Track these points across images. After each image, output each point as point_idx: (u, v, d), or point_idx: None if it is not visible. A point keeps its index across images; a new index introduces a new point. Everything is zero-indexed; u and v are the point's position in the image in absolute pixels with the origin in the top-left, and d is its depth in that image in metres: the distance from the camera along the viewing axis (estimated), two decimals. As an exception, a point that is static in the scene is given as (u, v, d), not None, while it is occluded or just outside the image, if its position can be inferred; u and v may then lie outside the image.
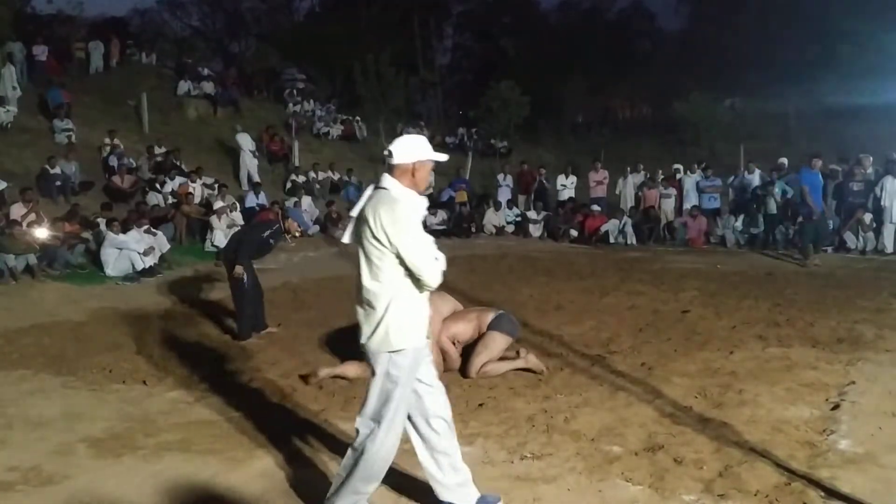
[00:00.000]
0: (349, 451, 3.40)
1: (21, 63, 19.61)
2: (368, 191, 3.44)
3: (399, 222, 3.21)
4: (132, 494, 3.85)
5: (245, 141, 18.29)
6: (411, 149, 3.40)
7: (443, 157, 3.49)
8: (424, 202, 3.45)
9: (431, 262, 3.27)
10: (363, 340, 3.35)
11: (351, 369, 5.87)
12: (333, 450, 4.34)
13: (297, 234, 14.91)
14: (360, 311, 3.37)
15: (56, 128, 16.87)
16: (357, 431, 3.39)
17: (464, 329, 5.99)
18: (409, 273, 3.26)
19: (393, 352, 3.28)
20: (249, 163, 18.12)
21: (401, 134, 25.01)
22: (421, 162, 3.40)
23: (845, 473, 3.85)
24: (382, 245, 3.22)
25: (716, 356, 6.33)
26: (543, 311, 8.65)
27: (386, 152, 3.41)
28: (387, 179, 3.37)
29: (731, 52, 35.15)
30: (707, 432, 4.49)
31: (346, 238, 3.46)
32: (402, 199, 3.30)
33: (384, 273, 3.26)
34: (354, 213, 3.41)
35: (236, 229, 13.52)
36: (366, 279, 3.31)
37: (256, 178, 17.73)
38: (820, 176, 12.73)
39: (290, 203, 16.11)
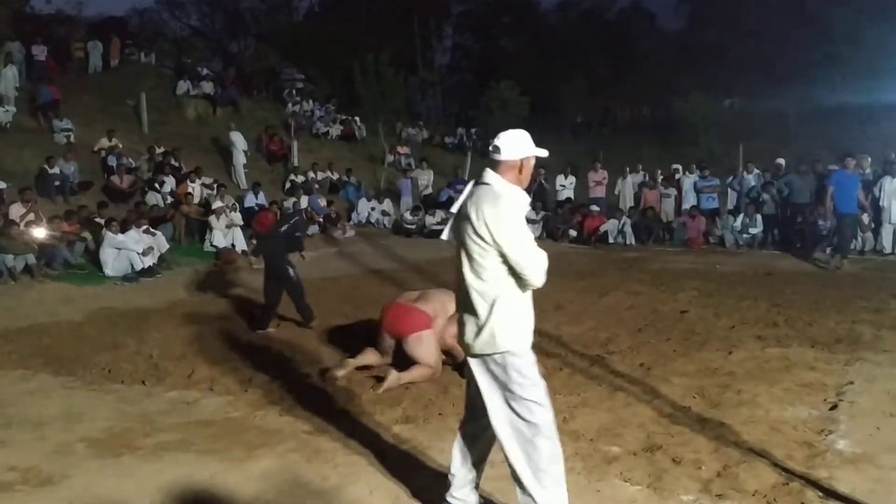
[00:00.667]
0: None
1: (20, 63, 19.61)
2: (469, 187, 3.33)
3: (503, 219, 3.12)
4: (132, 494, 3.85)
5: (239, 140, 18.33)
6: (520, 144, 3.27)
7: (545, 153, 3.37)
8: (528, 199, 3.36)
9: (536, 260, 3.16)
10: (468, 341, 3.27)
11: (371, 357, 5.96)
12: (332, 450, 4.34)
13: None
14: (461, 311, 3.32)
15: (55, 128, 16.86)
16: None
17: None
18: (513, 272, 3.16)
19: (498, 353, 3.20)
20: (237, 161, 18.20)
21: (400, 134, 25.20)
22: (528, 158, 3.29)
23: (843, 473, 3.86)
24: (486, 242, 3.13)
25: (714, 356, 6.34)
26: (542, 311, 8.53)
27: (491, 148, 3.29)
28: (490, 175, 3.25)
29: (730, 52, 35.19)
30: (705, 432, 4.50)
31: (445, 235, 3.41)
32: (507, 195, 3.20)
33: (487, 272, 3.17)
34: (455, 209, 3.31)
35: (235, 229, 13.61)
36: (469, 278, 3.22)
37: (243, 178, 17.83)
38: (855, 176, 12.59)
39: (288, 203, 16.10)
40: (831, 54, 28.46)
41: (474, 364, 3.29)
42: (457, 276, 3.31)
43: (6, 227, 10.76)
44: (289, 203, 16.20)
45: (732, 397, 5.16)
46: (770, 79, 32.87)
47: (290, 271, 8.11)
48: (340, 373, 5.82)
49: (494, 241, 3.12)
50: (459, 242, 3.25)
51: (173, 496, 3.82)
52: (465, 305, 3.28)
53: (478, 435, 3.46)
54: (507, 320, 3.18)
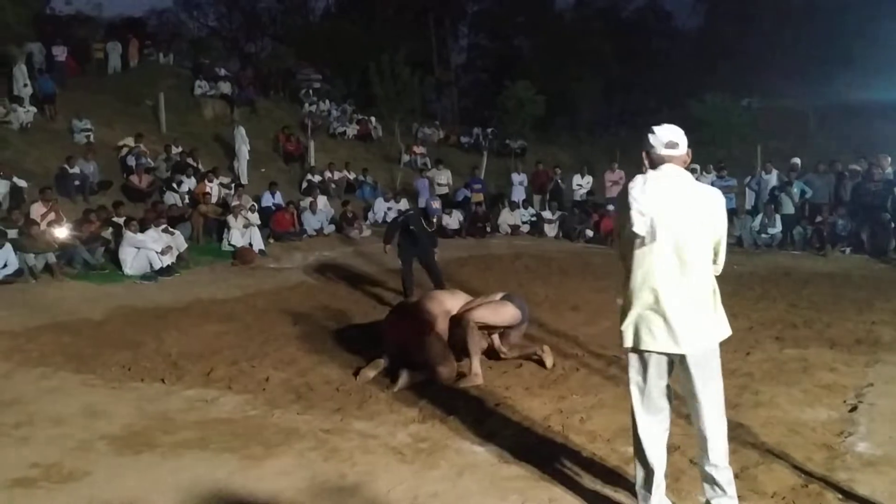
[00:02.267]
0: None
1: (40, 63, 19.83)
2: (652, 182, 3.23)
3: (722, 209, 3.26)
4: (151, 492, 3.88)
5: (243, 135, 18.55)
6: (684, 137, 3.34)
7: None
8: None
9: None
10: (691, 339, 3.21)
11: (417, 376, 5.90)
12: (350, 449, 4.36)
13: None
14: (680, 311, 3.19)
15: (75, 128, 17.03)
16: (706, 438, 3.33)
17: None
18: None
19: (716, 342, 3.29)
20: (241, 156, 18.34)
21: (416, 133, 25.20)
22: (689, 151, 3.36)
23: (863, 476, 3.83)
24: (709, 234, 3.21)
25: (732, 357, 6.29)
26: (559, 312, 8.65)
27: (669, 142, 3.26)
28: (677, 169, 3.26)
29: (747, 51, 34.94)
30: (723, 433, 4.48)
31: (642, 230, 3.18)
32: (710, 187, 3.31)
33: (707, 263, 3.25)
34: (647, 207, 3.17)
35: (252, 229, 13.69)
36: (690, 273, 3.18)
37: (245, 172, 18.07)
38: None
39: (305, 203, 16.18)
40: (849, 52, 28.21)
41: (692, 360, 3.26)
42: (663, 277, 3.20)
43: (27, 227, 10.88)
44: (305, 203, 16.26)
45: (750, 398, 5.13)
46: (788, 78, 32.60)
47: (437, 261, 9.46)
48: (371, 373, 5.85)
49: (717, 231, 3.24)
50: (665, 239, 3.15)
51: (192, 494, 3.85)
52: (682, 303, 3.20)
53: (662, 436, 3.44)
54: (721, 308, 3.30)
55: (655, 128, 3.32)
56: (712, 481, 3.33)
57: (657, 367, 3.32)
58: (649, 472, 3.36)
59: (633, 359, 3.36)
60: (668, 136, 3.27)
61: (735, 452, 4.15)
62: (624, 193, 3.27)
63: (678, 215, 3.16)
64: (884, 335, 6.98)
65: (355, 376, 5.88)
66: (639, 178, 3.26)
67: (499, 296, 6.35)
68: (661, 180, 3.22)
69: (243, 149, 18.34)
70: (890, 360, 6.10)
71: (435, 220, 9.64)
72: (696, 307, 3.21)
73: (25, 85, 17.26)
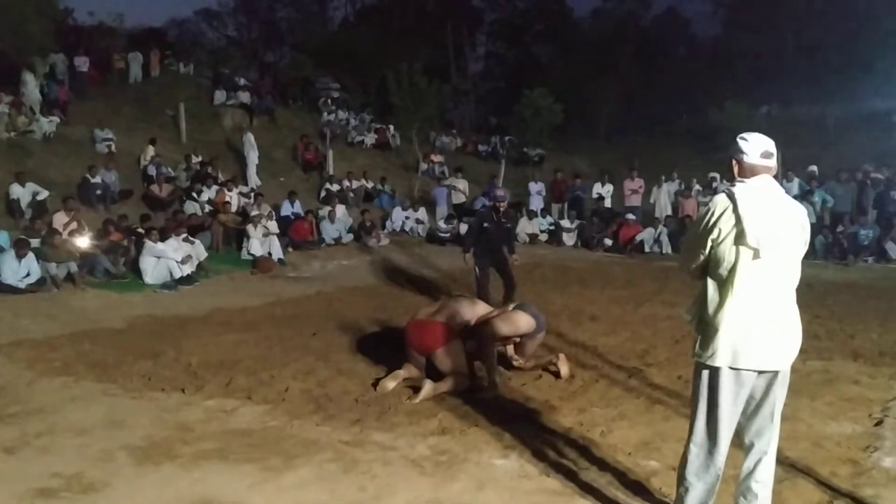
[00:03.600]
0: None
1: (63, 73, 20.10)
2: (762, 193, 3.16)
3: None
4: (172, 502, 3.89)
5: (252, 141, 18.71)
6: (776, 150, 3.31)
7: None
8: None
9: None
10: (787, 355, 3.21)
11: (414, 370, 6.01)
12: (370, 461, 4.35)
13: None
14: (782, 326, 3.18)
15: (96, 137, 17.21)
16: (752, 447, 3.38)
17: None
18: None
19: None
20: (251, 161, 18.50)
21: (434, 142, 25.24)
22: None
23: (890, 493, 3.78)
24: (803, 249, 3.25)
25: (754, 369, 6.23)
26: (578, 322, 8.61)
27: (765, 152, 3.19)
28: (773, 181, 3.22)
29: (766, 58, 34.75)
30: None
31: (756, 243, 3.09)
32: None
33: (798, 277, 3.26)
34: (763, 218, 3.11)
35: (272, 238, 13.74)
36: (790, 288, 3.21)
37: (255, 177, 18.31)
38: None
39: (323, 212, 16.24)
40: (870, 59, 27.97)
41: (782, 376, 3.25)
42: (774, 290, 3.16)
43: (50, 236, 10.98)
44: (323, 211, 16.31)
45: (773, 411, 5.07)
46: (808, 85, 32.41)
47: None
48: (391, 384, 5.84)
49: (806, 245, 3.26)
50: (770, 252, 3.11)
51: (213, 505, 3.86)
52: (784, 317, 3.18)
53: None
54: None
55: (747, 135, 3.24)
56: (754, 497, 3.31)
57: (743, 387, 3.20)
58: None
59: (724, 377, 3.17)
60: (764, 146, 3.19)
61: (759, 467, 4.11)
62: (723, 204, 3.13)
63: (782, 228, 3.13)
64: (909, 347, 6.89)
65: (374, 387, 5.87)
66: (740, 188, 3.15)
67: (511, 306, 6.33)
68: (762, 192, 3.15)
69: (252, 155, 18.50)
70: (915, 372, 6.02)
71: (503, 207, 9.25)
72: (792, 322, 3.21)
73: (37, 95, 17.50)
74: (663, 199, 17.51)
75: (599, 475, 4.11)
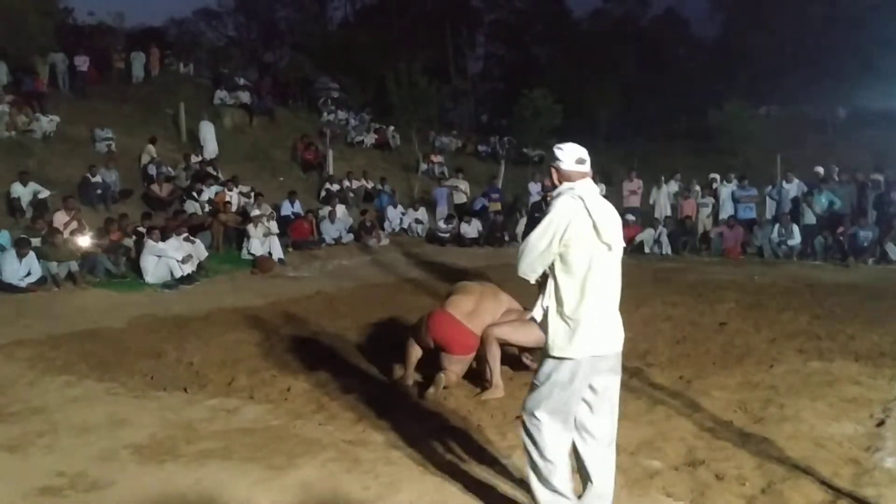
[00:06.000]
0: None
1: (63, 73, 20.11)
2: (595, 195, 3.42)
3: None
4: (175, 501, 3.90)
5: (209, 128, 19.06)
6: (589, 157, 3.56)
7: None
8: None
9: None
10: (620, 343, 3.45)
11: (415, 353, 6.04)
12: (372, 459, 4.36)
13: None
14: (612, 317, 3.41)
15: (96, 137, 17.21)
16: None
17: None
18: None
19: None
20: (210, 150, 18.70)
21: (433, 142, 25.30)
22: None
23: (892, 493, 3.78)
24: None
25: (755, 370, 6.26)
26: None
27: (579, 158, 3.45)
28: (593, 184, 3.49)
29: (766, 59, 34.75)
30: (748, 447, 4.44)
31: (608, 240, 3.34)
32: None
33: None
34: (604, 217, 3.36)
35: (272, 238, 13.75)
36: (618, 282, 3.44)
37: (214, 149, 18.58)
38: None
39: (324, 212, 16.24)
40: (869, 60, 28.00)
41: (615, 366, 3.43)
42: (616, 279, 3.42)
43: (50, 235, 10.98)
44: (324, 211, 16.30)
45: (775, 412, 5.09)
46: (807, 86, 32.41)
47: None
48: (410, 381, 5.93)
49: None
50: (610, 245, 3.33)
51: (216, 504, 3.86)
52: (614, 310, 3.42)
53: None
54: None
55: (562, 145, 3.49)
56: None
57: (596, 373, 3.38)
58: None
59: (579, 366, 3.30)
60: (578, 154, 3.44)
61: (761, 467, 4.15)
62: (574, 206, 3.32)
63: (615, 226, 3.40)
64: (909, 348, 6.91)
65: (394, 385, 5.89)
66: (581, 191, 3.36)
67: (529, 315, 6.23)
68: (593, 193, 3.40)
69: (210, 145, 18.80)
70: (916, 373, 6.03)
71: (550, 197, 9.18)
72: (617, 315, 3.44)
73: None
74: (663, 199, 17.50)
75: (602, 475, 4.10)
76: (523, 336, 5.90)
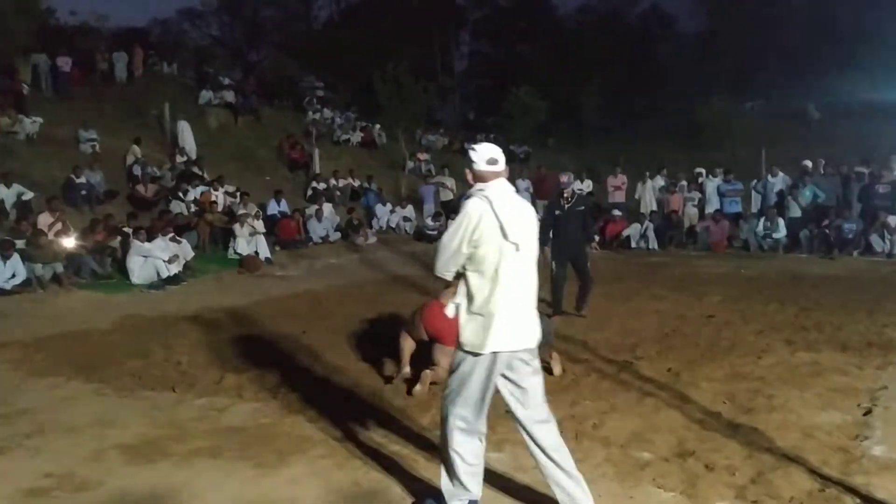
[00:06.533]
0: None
1: (46, 74, 19.93)
2: (506, 195, 3.50)
3: None
4: (165, 500, 3.88)
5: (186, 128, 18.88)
6: (503, 157, 3.61)
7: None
8: None
9: None
10: (534, 337, 3.54)
11: (408, 347, 6.02)
12: (363, 456, 4.35)
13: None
14: (533, 313, 3.56)
15: (81, 138, 17.08)
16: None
17: None
18: None
19: None
20: (190, 149, 18.57)
21: (420, 140, 25.31)
22: None
23: (881, 480, 3.81)
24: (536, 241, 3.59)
25: (743, 361, 6.29)
26: (567, 317, 8.63)
27: (490, 159, 3.50)
28: (507, 184, 3.56)
29: (750, 54, 34.94)
30: (737, 438, 4.47)
31: (515, 239, 3.43)
32: None
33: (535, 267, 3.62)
34: (513, 217, 3.44)
35: (258, 237, 13.70)
36: (534, 276, 3.57)
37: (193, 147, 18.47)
38: None
39: (310, 211, 16.19)
40: (853, 54, 28.20)
41: (534, 358, 3.56)
42: (527, 277, 3.52)
43: (34, 237, 10.90)
44: (311, 210, 16.23)
45: (763, 402, 5.11)
46: (792, 80, 32.61)
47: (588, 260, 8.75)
48: (406, 371, 5.89)
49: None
50: (523, 245, 3.44)
51: (206, 503, 3.84)
52: (531, 304, 3.55)
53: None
54: None
55: (476, 146, 3.57)
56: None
57: (510, 369, 3.49)
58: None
59: (490, 361, 3.41)
60: (489, 154, 3.49)
61: (750, 457, 4.17)
62: (481, 207, 3.38)
63: (526, 224, 3.51)
64: (895, 337, 6.96)
65: (388, 383, 5.86)
66: (490, 192, 3.42)
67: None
68: (504, 193, 3.48)
69: (190, 142, 18.70)
70: (903, 362, 6.08)
71: (567, 192, 8.77)
72: (533, 308, 3.58)
73: None
74: (648, 195, 17.55)
75: (592, 467, 4.11)
76: None
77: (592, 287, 8.81)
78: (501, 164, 3.51)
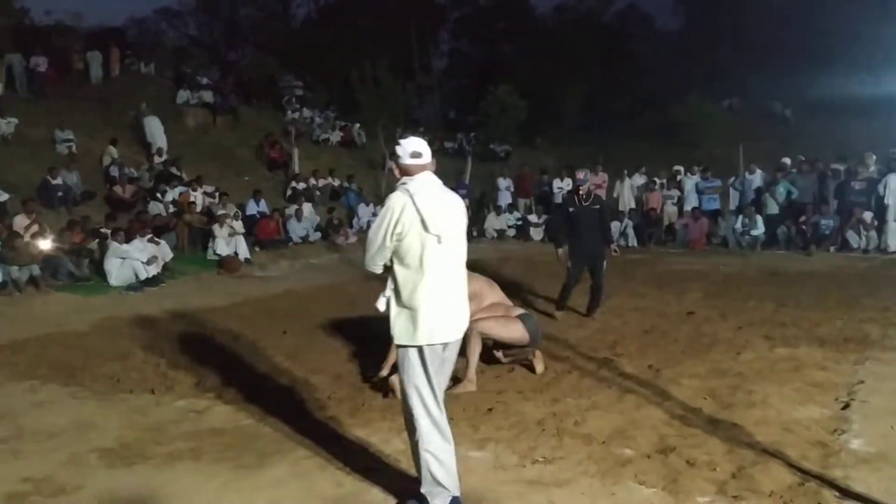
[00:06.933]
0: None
1: (21, 74, 19.69)
2: (430, 188, 3.57)
3: None
4: (146, 503, 3.85)
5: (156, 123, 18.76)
6: (429, 150, 3.70)
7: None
8: None
9: None
10: (465, 323, 3.68)
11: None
12: (345, 457, 4.33)
13: None
14: (460, 302, 3.65)
15: (57, 138, 16.89)
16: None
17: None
18: None
19: None
20: (160, 142, 18.45)
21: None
22: None
23: (859, 473, 3.85)
24: (464, 233, 3.69)
25: (723, 357, 6.34)
26: (548, 315, 8.65)
27: (414, 152, 3.59)
28: (433, 176, 3.65)
29: (727, 52, 35.23)
30: (718, 434, 4.50)
31: (438, 231, 3.50)
32: None
33: (465, 257, 3.73)
34: (437, 210, 3.51)
35: (238, 237, 13.61)
36: (462, 267, 3.69)
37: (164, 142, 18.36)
38: None
39: (290, 210, 16.12)
40: (830, 51, 28.48)
41: (457, 343, 3.67)
42: (453, 269, 3.59)
43: (10, 239, 10.76)
44: (290, 210, 16.15)
45: (743, 398, 5.15)
46: (768, 78, 32.89)
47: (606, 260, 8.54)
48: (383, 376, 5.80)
49: (465, 231, 3.71)
50: (447, 237, 3.51)
51: (188, 505, 3.81)
52: (459, 295, 3.64)
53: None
54: None
55: (402, 140, 3.68)
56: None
57: (443, 358, 3.59)
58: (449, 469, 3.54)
59: (428, 353, 3.50)
60: (413, 147, 3.59)
61: (731, 452, 4.20)
62: (402, 200, 3.47)
63: (452, 216, 3.58)
64: (872, 332, 7.04)
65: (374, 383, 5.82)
66: (412, 186, 3.51)
67: (517, 312, 6.20)
68: (428, 186, 3.55)
69: (160, 139, 18.54)
70: (879, 357, 6.15)
71: (583, 190, 8.38)
72: (464, 294, 3.68)
73: None
74: (627, 193, 17.64)
75: (574, 464, 4.13)
76: (507, 332, 5.91)
77: (603, 293, 8.59)
78: (426, 158, 3.59)
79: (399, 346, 3.56)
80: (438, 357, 3.54)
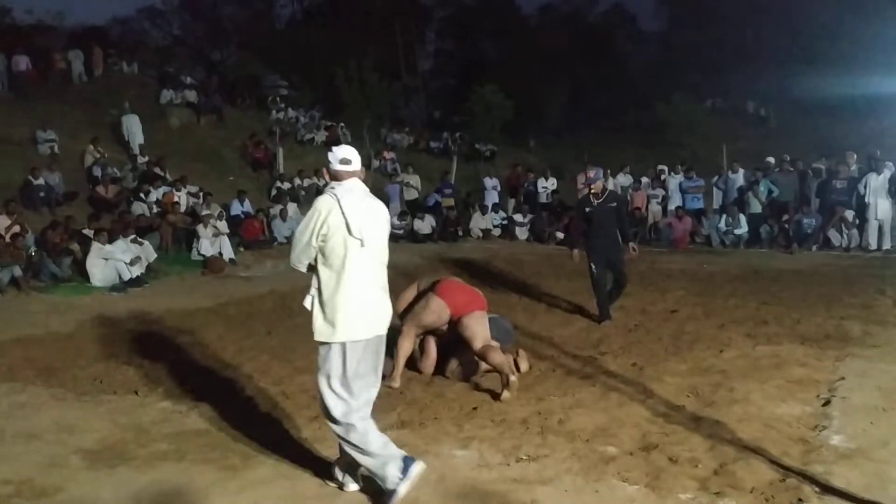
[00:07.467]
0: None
1: (2, 73, 19.52)
2: (356, 193, 3.76)
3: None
4: (128, 505, 3.83)
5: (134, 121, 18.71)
6: (359, 158, 3.90)
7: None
8: None
9: None
10: (388, 321, 3.86)
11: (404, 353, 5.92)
12: (329, 456, 4.32)
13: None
14: (383, 300, 3.83)
15: (39, 138, 16.76)
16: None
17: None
18: None
19: None
20: (135, 142, 18.35)
21: (385, 139, 25.13)
22: None
23: (839, 469, 3.89)
24: (386, 237, 3.90)
25: (706, 355, 6.38)
26: (533, 313, 8.69)
27: (343, 159, 3.78)
28: (360, 183, 3.85)
29: (711, 52, 35.43)
30: (700, 431, 4.53)
31: (361, 235, 3.67)
32: None
33: (387, 259, 3.92)
34: (360, 214, 3.70)
35: (222, 238, 13.54)
36: (384, 268, 3.88)
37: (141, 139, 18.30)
38: None
39: (275, 211, 16.05)
40: (812, 52, 28.71)
41: (379, 346, 3.82)
42: (374, 271, 3.77)
43: (-9, 240, 10.67)
44: (275, 210, 16.09)
45: (725, 395, 5.19)
46: (751, 78, 33.10)
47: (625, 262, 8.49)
48: (395, 384, 5.72)
49: (387, 234, 3.91)
50: (370, 241, 3.70)
51: (170, 506, 3.80)
52: (378, 295, 3.80)
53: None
54: None
55: (334, 148, 3.88)
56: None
57: (363, 353, 3.73)
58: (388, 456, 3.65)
59: (349, 349, 3.68)
60: (343, 155, 3.78)
61: (713, 449, 4.23)
62: (329, 204, 3.64)
63: (375, 221, 3.77)
64: (853, 330, 7.10)
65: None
66: (339, 190, 3.69)
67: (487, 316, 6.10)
68: (354, 192, 3.74)
69: (138, 137, 18.45)
70: (860, 353, 6.21)
71: (594, 188, 8.22)
72: (386, 294, 3.86)
73: None
74: (611, 192, 17.64)
75: (558, 462, 4.15)
76: (470, 331, 5.76)
77: (623, 290, 8.54)
78: (355, 165, 3.78)
79: (320, 343, 3.72)
80: (357, 353, 3.68)
